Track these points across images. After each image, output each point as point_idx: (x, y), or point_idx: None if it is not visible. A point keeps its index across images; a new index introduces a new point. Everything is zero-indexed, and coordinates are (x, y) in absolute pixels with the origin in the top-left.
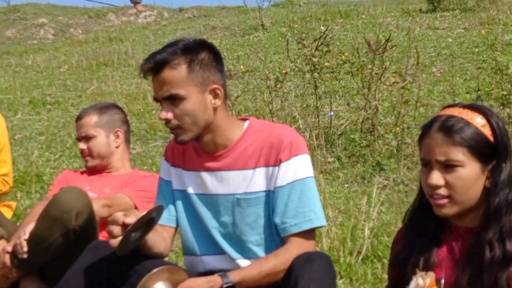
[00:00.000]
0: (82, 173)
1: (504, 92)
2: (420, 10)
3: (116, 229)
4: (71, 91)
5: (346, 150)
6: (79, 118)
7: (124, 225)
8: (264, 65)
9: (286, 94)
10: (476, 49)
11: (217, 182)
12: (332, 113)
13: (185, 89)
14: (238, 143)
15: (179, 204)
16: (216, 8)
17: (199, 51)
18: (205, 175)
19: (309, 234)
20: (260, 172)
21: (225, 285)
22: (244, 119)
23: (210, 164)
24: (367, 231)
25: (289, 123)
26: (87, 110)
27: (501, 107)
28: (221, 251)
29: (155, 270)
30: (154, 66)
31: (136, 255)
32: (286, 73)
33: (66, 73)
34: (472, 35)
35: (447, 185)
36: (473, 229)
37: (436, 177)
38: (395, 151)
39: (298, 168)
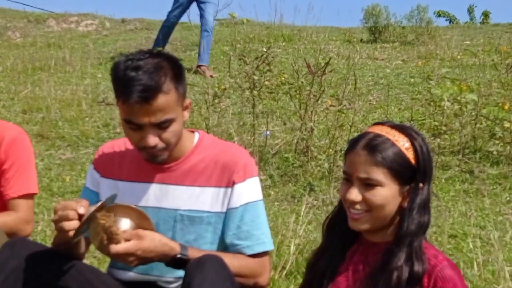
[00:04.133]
0: None
1: (436, 123)
2: (361, 40)
3: (72, 214)
4: (3, 93)
5: (279, 169)
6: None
7: (78, 214)
8: (203, 81)
9: (223, 111)
10: (412, 80)
11: (161, 196)
12: (268, 132)
13: (174, 111)
14: (189, 157)
15: None
16: (159, 21)
17: (174, 68)
18: (148, 187)
19: (261, 257)
20: (209, 191)
21: (178, 255)
22: (192, 131)
23: (156, 176)
24: (292, 247)
25: (224, 139)
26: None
27: (433, 137)
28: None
29: (132, 205)
30: (147, 95)
31: (54, 255)
32: (225, 89)
33: (0, 75)
34: (409, 67)
35: (364, 201)
36: (383, 244)
37: (355, 193)
38: (326, 173)
39: (252, 190)
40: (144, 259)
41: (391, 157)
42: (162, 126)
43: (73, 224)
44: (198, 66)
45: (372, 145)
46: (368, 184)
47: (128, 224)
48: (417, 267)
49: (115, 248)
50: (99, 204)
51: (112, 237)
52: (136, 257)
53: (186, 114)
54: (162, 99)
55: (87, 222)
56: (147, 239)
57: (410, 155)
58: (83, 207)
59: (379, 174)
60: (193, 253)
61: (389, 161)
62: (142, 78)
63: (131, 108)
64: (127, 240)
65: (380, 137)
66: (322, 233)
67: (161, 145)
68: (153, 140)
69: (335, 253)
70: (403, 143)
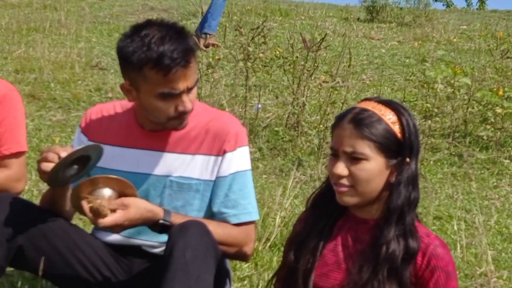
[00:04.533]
0: None
1: (429, 105)
2: (358, 18)
3: (52, 156)
4: None
5: (269, 142)
6: None
7: (59, 158)
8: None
9: (216, 82)
10: (407, 61)
11: (152, 162)
12: (259, 105)
13: (198, 74)
14: None
15: None
16: None
17: (186, 31)
18: (139, 153)
19: (246, 226)
20: (199, 159)
21: (161, 221)
22: None
23: (147, 142)
24: (278, 220)
25: None
26: None
27: (424, 119)
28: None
29: (113, 175)
30: (187, 58)
31: (40, 212)
32: (219, 59)
33: None
34: (405, 48)
35: (351, 176)
36: (373, 221)
37: (341, 168)
38: (316, 148)
39: (241, 159)
40: (130, 226)
41: (377, 130)
42: (191, 88)
43: (51, 165)
44: (204, 33)
45: (358, 119)
46: (354, 158)
47: (110, 193)
48: (413, 243)
49: (103, 222)
50: (79, 147)
51: (99, 213)
52: (123, 226)
53: None
54: (194, 61)
55: (62, 165)
56: (132, 208)
57: (396, 129)
58: (65, 152)
59: (364, 148)
60: (176, 219)
61: (375, 135)
62: (174, 46)
63: (172, 77)
64: (112, 211)
65: (367, 111)
66: (306, 208)
67: (191, 107)
68: (190, 103)
69: (323, 229)
70: (389, 117)
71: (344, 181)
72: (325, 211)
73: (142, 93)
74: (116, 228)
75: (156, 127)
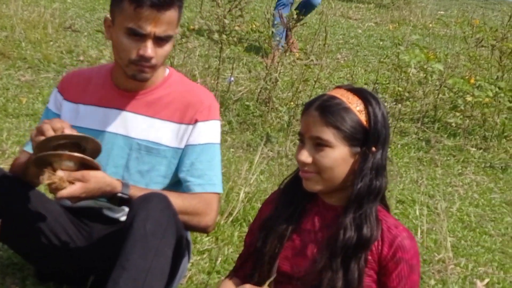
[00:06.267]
0: None
1: (400, 89)
2: None
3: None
4: None
5: (239, 116)
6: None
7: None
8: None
9: (190, 52)
10: (382, 43)
11: (121, 122)
12: (232, 78)
13: (174, 31)
14: (156, 89)
15: None
16: None
17: None
18: (109, 112)
19: (209, 197)
20: (170, 126)
21: (119, 194)
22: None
23: (119, 102)
24: (242, 195)
25: None
26: None
27: (395, 103)
28: None
29: (76, 153)
30: (163, 2)
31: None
32: (193, 29)
33: None
34: (381, 30)
35: (314, 163)
36: (339, 208)
37: (305, 155)
38: (285, 125)
39: (213, 132)
40: (87, 198)
41: (342, 118)
42: (161, 41)
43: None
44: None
45: (324, 106)
46: (319, 145)
47: (72, 164)
48: (366, 231)
49: (60, 194)
50: (75, 133)
51: (56, 188)
52: (80, 198)
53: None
54: (171, 13)
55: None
56: (91, 181)
57: (362, 117)
58: (69, 130)
59: (328, 135)
60: (135, 192)
61: (339, 122)
62: None
63: (141, 14)
64: (71, 183)
65: (334, 99)
66: (278, 191)
67: (154, 61)
68: (152, 51)
69: (293, 214)
70: (356, 105)
71: (309, 168)
72: (295, 196)
73: (115, 26)
74: (73, 199)
75: (129, 85)
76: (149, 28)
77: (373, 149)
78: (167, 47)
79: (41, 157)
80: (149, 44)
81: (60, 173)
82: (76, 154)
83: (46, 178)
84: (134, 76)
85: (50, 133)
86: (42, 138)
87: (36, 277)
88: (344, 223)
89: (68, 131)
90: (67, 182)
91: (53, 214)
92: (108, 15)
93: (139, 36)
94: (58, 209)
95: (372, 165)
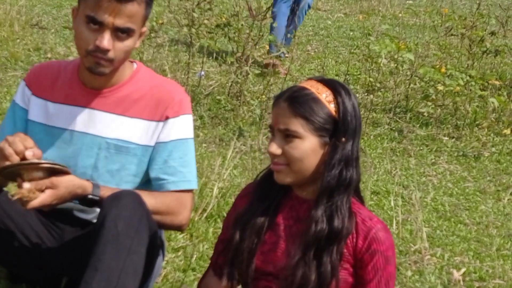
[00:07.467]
0: None
1: (371, 79)
2: None
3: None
4: None
5: (210, 111)
6: None
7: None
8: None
9: (159, 46)
10: (352, 34)
11: (89, 121)
12: (202, 72)
13: (137, 26)
14: (124, 86)
15: (34, 136)
16: None
17: None
18: (77, 111)
19: (182, 194)
20: (140, 124)
21: (90, 196)
22: (130, 61)
23: (87, 101)
24: (215, 191)
25: None
26: None
27: (366, 93)
28: None
29: (44, 163)
30: None
31: None
32: (162, 23)
33: None
34: (350, 21)
35: (284, 154)
36: (311, 201)
37: (275, 147)
38: (258, 119)
39: (184, 127)
40: (59, 204)
41: (310, 108)
42: (121, 34)
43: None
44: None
45: (293, 97)
46: (288, 136)
47: (41, 174)
48: (337, 223)
49: (31, 204)
50: (51, 162)
51: (26, 201)
52: (51, 205)
53: (139, 42)
54: (133, 6)
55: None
56: (61, 186)
57: (331, 108)
58: (31, 153)
59: (297, 126)
60: (106, 192)
61: (308, 113)
62: None
63: (101, 3)
64: (42, 191)
65: (303, 90)
66: (253, 184)
67: (112, 54)
68: (108, 42)
69: (268, 208)
70: (325, 96)
71: (280, 160)
72: (270, 191)
73: (78, 15)
74: (45, 207)
75: (95, 83)
76: (108, 19)
77: (343, 139)
78: (128, 42)
79: (10, 170)
80: (107, 35)
81: (26, 185)
82: (44, 163)
83: (15, 194)
84: (91, 68)
85: (14, 158)
86: (8, 163)
87: (8, 279)
88: (315, 215)
89: (29, 154)
90: (37, 192)
91: (23, 216)
92: (77, 5)
93: (98, 26)
94: (30, 212)
95: (341, 156)
